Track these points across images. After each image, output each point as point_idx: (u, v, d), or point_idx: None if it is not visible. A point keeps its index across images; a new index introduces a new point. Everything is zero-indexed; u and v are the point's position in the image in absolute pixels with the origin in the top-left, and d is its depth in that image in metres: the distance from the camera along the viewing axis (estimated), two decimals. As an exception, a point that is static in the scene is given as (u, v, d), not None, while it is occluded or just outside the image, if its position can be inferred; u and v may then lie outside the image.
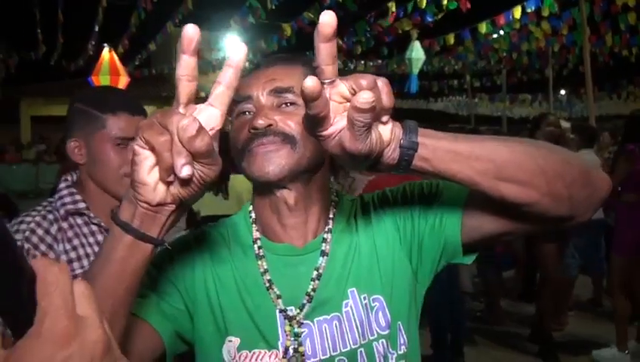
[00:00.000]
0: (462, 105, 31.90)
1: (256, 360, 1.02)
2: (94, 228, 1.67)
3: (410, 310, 1.11)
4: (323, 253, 1.08)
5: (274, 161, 1.01)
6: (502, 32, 14.28)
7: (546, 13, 10.39)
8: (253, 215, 1.13)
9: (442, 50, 16.60)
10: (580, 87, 22.37)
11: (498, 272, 5.75)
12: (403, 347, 1.09)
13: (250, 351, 1.03)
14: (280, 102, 1.05)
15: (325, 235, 1.09)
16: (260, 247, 1.09)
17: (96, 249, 1.63)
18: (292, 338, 1.03)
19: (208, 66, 19.13)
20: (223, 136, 0.91)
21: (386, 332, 1.07)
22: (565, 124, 5.90)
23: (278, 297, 1.05)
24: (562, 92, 29.07)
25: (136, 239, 0.79)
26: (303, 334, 1.04)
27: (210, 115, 0.78)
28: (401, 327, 1.09)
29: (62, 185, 1.70)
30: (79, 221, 1.66)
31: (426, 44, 15.05)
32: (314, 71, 0.88)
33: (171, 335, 1.05)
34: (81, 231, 1.65)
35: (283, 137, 1.02)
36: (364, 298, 1.07)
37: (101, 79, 11.22)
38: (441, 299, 4.28)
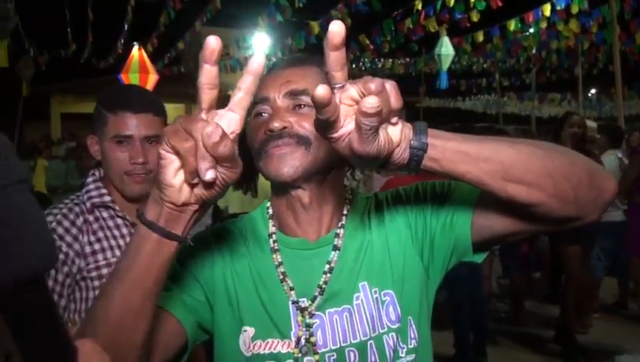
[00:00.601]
0: (490, 103, 31.59)
1: (269, 349, 1.06)
2: (119, 221, 1.73)
3: (421, 306, 1.13)
4: (335, 248, 1.11)
5: (289, 162, 1.04)
6: (531, 30, 14.14)
7: (575, 10, 10.26)
8: (270, 211, 1.16)
9: (471, 48, 16.46)
10: (609, 86, 21.97)
11: (524, 273, 5.71)
12: (413, 341, 1.11)
13: (264, 341, 1.06)
14: (295, 103, 1.08)
15: (338, 231, 1.13)
16: (275, 241, 1.12)
17: (121, 241, 1.70)
18: (304, 329, 1.06)
19: (236, 65, 19.29)
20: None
21: (397, 326, 1.09)
22: (592, 124, 5.82)
23: (291, 289, 1.08)
24: (592, 91, 28.66)
25: (162, 237, 0.84)
26: (315, 325, 1.07)
27: (231, 120, 0.82)
28: (412, 322, 1.11)
29: (89, 179, 1.76)
30: (105, 214, 1.72)
31: (455, 41, 14.98)
32: None
33: (193, 325, 1.08)
34: (106, 223, 1.71)
35: (297, 139, 1.05)
36: (375, 292, 1.10)
37: (131, 77, 11.38)
38: (465, 298, 4.28)
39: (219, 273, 1.11)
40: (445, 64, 13.33)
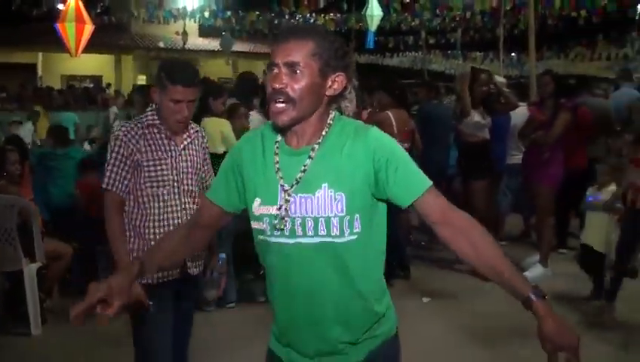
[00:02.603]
0: (416, 61, 32.57)
1: (266, 211, 1.60)
2: (163, 136, 2.63)
3: (366, 211, 1.59)
4: (309, 156, 1.59)
5: (280, 118, 1.55)
6: (457, -9, 14.87)
7: (498, -26, 10.94)
8: None
9: (400, 7, 17.14)
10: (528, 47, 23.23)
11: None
12: (357, 229, 1.57)
13: (264, 206, 1.61)
14: (292, 70, 1.53)
15: (314, 145, 1.60)
16: (277, 147, 1.64)
17: (163, 148, 2.61)
18: (284, 201, 1.58)
19: (169, 16, 19.25)
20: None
21: (341, 215, 1.55)
22: (500, 79, 6.65)
23: (281, 178, 1.60)
24: (513, 51, 30.06)
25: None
26: (290, 200, 1.58)
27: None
28: (358, 218, 1.56)
29: (149, 109, 2.69)
30: (154, 131, 2.63)
31: (384, 1, 15.62)
32: (323, 41, 1.53)
33: (231, 205, 1.73)
34: (154, 137, 2.62)
35: (287, 99, 1.53)
36: (331, 191, 1.56)
37: (67, 26, 11.40)
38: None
39: (246, 169, 1.67)
40: (373, 24, 14.00)
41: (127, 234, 2.60)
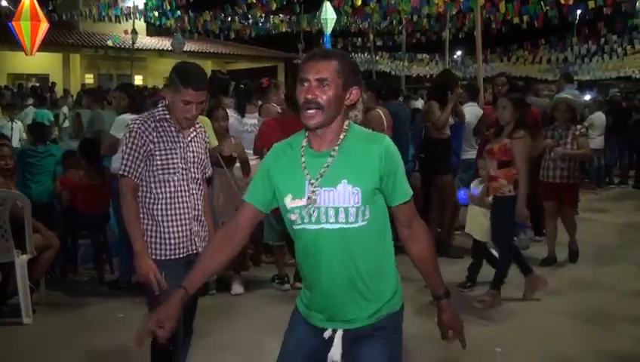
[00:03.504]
0: (363, 62, 33.21)
1: (296, 203, 1.93)
2: (173, 129, 2.90)
3: (374, 202, 1.94)
4: (330, 155, 1.93)
5: (312, 121, 1.90)
6: (405, -5, 15.40)
7: (445, -21, 11.51)
8: (307, 133, 2.00)
9: (351, 10, 17.60)
10: (474, 49, 24.11)
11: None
12: (367, 217, 1.92)
13: (294, 200, 1.94)
14: (320, 84, 1.89)
15: (335, 147, 1.94)
16: (303, 150, 1.97)
17: (173, 140, 2.88)
18: (311, 194, 1.91)
19: (119, 14, 19.16)
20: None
21: (357, 205, 1.90)
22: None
23: (307, 174, 1.94)
24: (457, 53, 31.08)
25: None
26: (316, 192, 1.91)
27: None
28: (368, 208, 1.91)
29: (160, 105, 2.97)
30: (165, 125, 2.90)
31: (335, 3, 16.06)
32: (344, 62, 1.89)
33: (264, 202, 2.03)
34: (165, 130, 2.89)
35: (317, 106, 1.88)
36: (350, 186, 1.90)
37: (22, 25, 11.34)
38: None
39: (277, 171, 2.01)
40: (328, 28, 14.42)
41: (141, 216, 2.88)
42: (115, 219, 5.40)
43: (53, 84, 21.71)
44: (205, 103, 2.95)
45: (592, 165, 9.92)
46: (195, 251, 2.95)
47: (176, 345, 2.86)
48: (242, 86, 6.58)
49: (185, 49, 21.07)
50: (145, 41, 24.58)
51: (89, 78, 24.48)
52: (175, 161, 2.88)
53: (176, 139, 2.89)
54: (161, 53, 24.54)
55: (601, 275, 5.76)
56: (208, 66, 30.77)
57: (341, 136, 1.97)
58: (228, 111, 5.41)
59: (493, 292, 4.83)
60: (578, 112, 6.19)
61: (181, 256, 2.91)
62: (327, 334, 1.99)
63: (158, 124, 2.88)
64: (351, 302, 1.96)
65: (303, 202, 1.92)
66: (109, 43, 23.30)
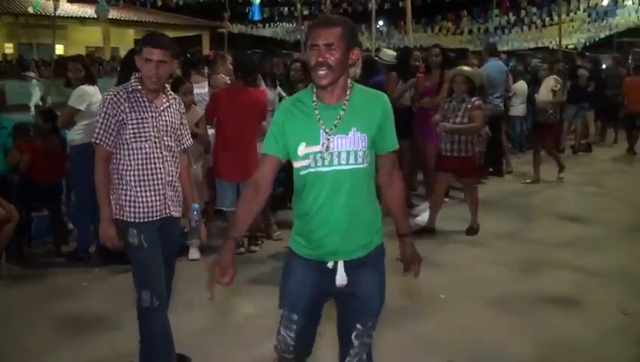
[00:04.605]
0: (290, 31, 33.21)
1: (310, 150, 2.20)
2: (145, 99, 3.06)
3: (372, 148, 2.26)
4: (342, 108, 2.23)
5: (323, 81, 2.17)
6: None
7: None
8: (314, 90, 2.27)
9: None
10: (398, 20, 24.80)
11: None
12: (368, 159, 2.24)
13: (309, 147, 2.20)
14: (328, 47, 2.15)
15: (345, 101, 2.24)
16: (315, 104, 2.25)
17: (145, 109, 3.04)
18: (326, 141, 2.19)
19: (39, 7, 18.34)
20: None
21: (364, 150, 2.21)
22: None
23: (322, 124, 2.21)
24: (380, 23, 31.63)
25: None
26: (331, 139, 2.19)
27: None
28: (369, 152, 2.24)
29: (132, 77, 3.09)
30: (137, 95, 3.05)
31: (265, -27, 16.05)
32: (345, 27, 2.17)
33: (282, 152, 2.28)
34: (137, 100, 3.05)
35: (328, 67, 2.15)
36: (358, 133, 2.21)
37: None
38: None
39: (290, 123, 2.27)
40: (258, -3, 14.46)
41: (116, 181, 3.05)
42: (74, 189, 5.48)
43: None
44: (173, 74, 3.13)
45: (514, 131, 10.62)
46: (169, 215, 3.13)
47: (162, 301, 3.08)
48: (189, 55, 6.71)
49: (109, 16, 20.45)
50: (66, 7, 23.63)
51: (9, 48, 23.38)
52: (147, 129, 3.03)
53: (148, 109, 3.05)
54: (82, 21, 23.67)
55: (529, 230, 6.42)
56: (131, 35, 29.99)
57: (348, 92, 2.27)
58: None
59: None
60: (477, 84, 6.25)
61: (156, 218, 3.08)
62: (330, 264, 2.30)
63: (130, 95, 3.04)
64: (353, 233, 2.28)
65: (317, 148, 2.20)
66: (30, 10, 22.29)
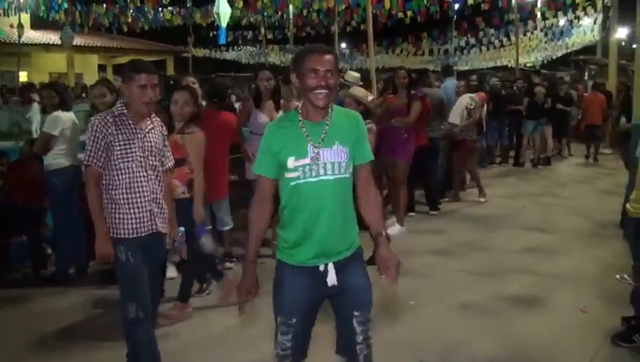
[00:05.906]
0: (254, 54, 33.52)
1: (299, 162, 2.40)
2: (131, 122, 3.23)
3: (351, 160, 2.49)
4: (326, 124, 2.45)
5: (322, 102, 2.40)
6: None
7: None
8: (300, 111, 2.49)
9: (243, 5, 17.95)
10: (360, 42, 25.32)
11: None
12: (350, 170, 2.48)
13: (298, 160, 2.40)
14: (328, 73, 2.39)
15: (327, 119, 2.46)
16: (302, 123, 2.46)
17: (131, 131, 3.20)
18: (315, 153, 2.40)
19: (8, 8, 18.33)
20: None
21: (346, 161, 2.44)
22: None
23: (310, 139, 2.42)
24: (342, 45, 32.17)
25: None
26: (319, 152, 2.40)
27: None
28: (350, 164, 2.47)
29: (118, 102, 3.30)
30: (123, 118, 3.23)
31: (229, -2, 16.32)
32: (336, 56, 2.45)
33: (274, 172, 2.48)
34: (123, 123, 3.22)
35: (328, 89, 2.39)
36: (341, 146, 2.44)
37: None
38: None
39: (280, 140, 2.46)
40: (224, 21, 14.69)
41: (105, 201, 3.20)
42: (52, 213, 5.59)
43: None
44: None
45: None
46: (156, 230, 3.30)
47: (147, 313, 3.23)
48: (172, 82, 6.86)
49: (73, 43, 20.46)
50: (30, 34, 23.50)
51: (-28, 77, 23.16)
52: (134, 149, 3.19)
53: (133, 131, 3.21)
54: (47, 47, 23.55)
55: (490, 239, 6.75)
56: (95, 61, 29.87)
57: (329, 111, 2.50)
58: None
59: (180, 304, 4.56)
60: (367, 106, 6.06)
61: (143, 234, 3.24)
62: (322, 267, 2.51)
63: (116, 119, 3.20)
64: (341, 235, 2.51)
65: (306, 160, 2.42)
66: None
